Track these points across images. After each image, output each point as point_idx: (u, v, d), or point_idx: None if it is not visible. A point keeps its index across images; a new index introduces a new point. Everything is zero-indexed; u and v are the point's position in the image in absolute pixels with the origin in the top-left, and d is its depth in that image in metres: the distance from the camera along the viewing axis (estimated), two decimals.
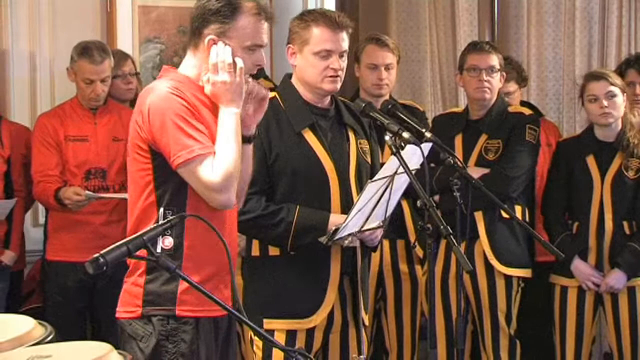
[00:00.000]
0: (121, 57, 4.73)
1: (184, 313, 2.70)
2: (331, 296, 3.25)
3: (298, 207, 3.19)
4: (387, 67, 4.26)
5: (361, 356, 3.23)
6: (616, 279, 4.12)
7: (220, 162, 2.63)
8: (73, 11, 5.25)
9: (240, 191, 2.85)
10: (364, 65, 4.29)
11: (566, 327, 4.25)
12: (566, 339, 4.25)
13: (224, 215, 2.74)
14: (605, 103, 4.10)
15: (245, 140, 2.78)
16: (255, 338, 3.24)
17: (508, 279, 4.16)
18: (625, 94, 4.18)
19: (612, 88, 4.12)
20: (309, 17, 3.25)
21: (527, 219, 4.22)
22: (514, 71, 4.81)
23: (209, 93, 2.72)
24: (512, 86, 4.79)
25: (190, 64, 2.80)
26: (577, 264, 4.17)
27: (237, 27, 2.72)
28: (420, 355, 4.42)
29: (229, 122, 2.68)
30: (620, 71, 4.59)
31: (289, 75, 3.37)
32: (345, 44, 3.24)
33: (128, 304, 2.75)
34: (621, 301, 4.16)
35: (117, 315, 2.79)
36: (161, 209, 2.67)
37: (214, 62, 2.70)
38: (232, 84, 2.69)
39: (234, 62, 2.70)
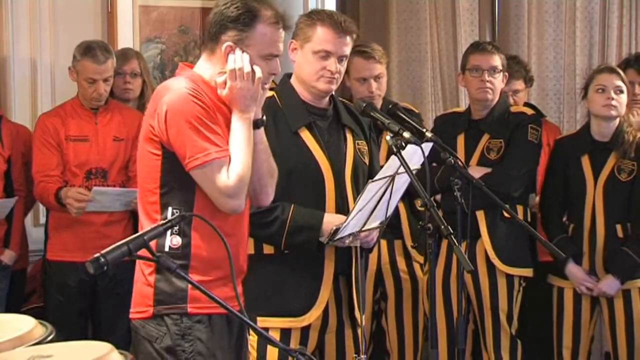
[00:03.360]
0: (125, 55, 4.71)
1: (196, 310, 2.69)
2: (325, 294, 3.24)
3: (293, 206, 3.18)
4: (377, 78, 4.20)
5: (362, 356, 3.22)
6: (609, 285, 4.11)
7: (234, 167, 2.64)
8: (73, 11, 5.25)
9: (265, 186, 2.85)
10: (353, 78, 4.23)
11: (563, 327, 4.24)
12: (563, 339, 4.24)
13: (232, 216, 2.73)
14: (613, 95, 4.10)
15: (255, 125, 2.77)
16: (250, 337, 3.24)
17: (509, 278, 4.16)
18: (628, 95, 4.19)
19: (621, 84, 4.13)
20: (316, 16, 3.26)
21: (528, 219, 4.22)
22: (522, 69, 4.83)
23: (224, 97, 2.73)
24: (520, 84, 4.81)
25: (205, 66, 2.80)
26: (571, 268, 4.17)
27: (255, 36, 2.73)
28: (421, 355, 4.41)
29: (242, 129, 2.70)
30: None
31: (288, 75, 3.37)
32: (347, 49, 3.24)
33: (140, 304, 2.74)
34: (617, 304, 4.15)
35: (130, 316, 2.78)
36: (169, 209, 2.68)
37: (232, 69, 2.70)
38: (249, 91, 2.71)
39: (252, 70, 2.71)
